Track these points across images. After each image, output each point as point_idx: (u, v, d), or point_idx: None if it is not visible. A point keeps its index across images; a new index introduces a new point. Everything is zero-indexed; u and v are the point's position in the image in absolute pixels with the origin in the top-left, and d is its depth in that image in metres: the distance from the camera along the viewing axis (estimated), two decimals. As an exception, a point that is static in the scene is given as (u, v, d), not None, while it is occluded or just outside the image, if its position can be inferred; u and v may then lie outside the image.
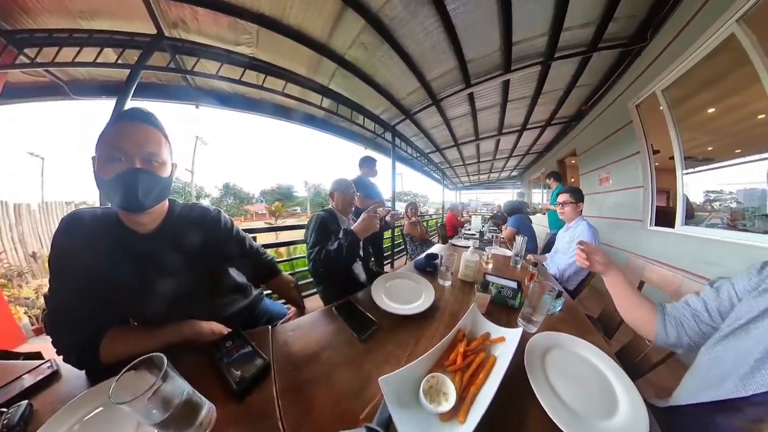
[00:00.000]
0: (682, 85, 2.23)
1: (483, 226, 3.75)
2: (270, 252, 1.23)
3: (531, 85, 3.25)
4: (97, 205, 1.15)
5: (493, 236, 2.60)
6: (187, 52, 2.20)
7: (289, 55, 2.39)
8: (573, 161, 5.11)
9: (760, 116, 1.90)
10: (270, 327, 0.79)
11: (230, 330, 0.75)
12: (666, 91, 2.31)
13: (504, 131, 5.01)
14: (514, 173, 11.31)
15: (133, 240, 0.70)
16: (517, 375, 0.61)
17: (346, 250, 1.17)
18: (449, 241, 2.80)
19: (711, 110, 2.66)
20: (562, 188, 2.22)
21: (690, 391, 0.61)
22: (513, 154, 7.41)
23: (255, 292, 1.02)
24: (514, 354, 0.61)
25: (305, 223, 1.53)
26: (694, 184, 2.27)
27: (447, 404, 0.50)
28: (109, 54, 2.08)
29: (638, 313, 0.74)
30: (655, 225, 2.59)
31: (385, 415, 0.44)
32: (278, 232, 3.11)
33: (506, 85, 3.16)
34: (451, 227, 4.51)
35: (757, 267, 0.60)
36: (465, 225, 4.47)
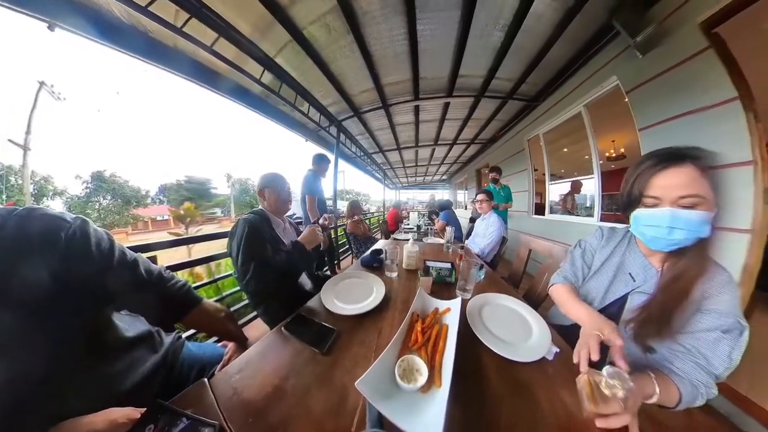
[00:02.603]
0: (552, 133, 3.59)
1: (419, 221, 4.16)
2: (181, 275, 1.02)
3: (464, 111, 3.97)
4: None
5: (428, 229, 3.04)
6: None
7: (233, 1, 1.79)
8: (486, 171, 6.45)
9: (586, 156, 3.18)
10: (206, 379, 0.59)
11: (145, 408, 0.49)
12: (545, 134, 3.64)
13: (439, 142, 5.81)
14: (444, 177, 12.78)
15: None
16: (465, 332, 0.74)
17: (298, 264, 1.13)
18: (391, 236, 3.01)
19: (565, 149, 4.53)
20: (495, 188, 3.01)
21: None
22: (444, 162, 8.56)
23: (168, 338, 0.74)
24: (459, 318, 0.72)
25: (229, 230, 1.23)
26: (554, 190, 3.90)
27: (422, 378, 0.54)
28: None
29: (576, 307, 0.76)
30: (534, 214, 4.08)
31: (374, 413, 0.45)
32: (191, 246, 2.55)
33: (447, 105, 3.74)
34: (394, 223, 4.83)
35: (601, 231, 0.87)
36: (404, 220, 4.88)
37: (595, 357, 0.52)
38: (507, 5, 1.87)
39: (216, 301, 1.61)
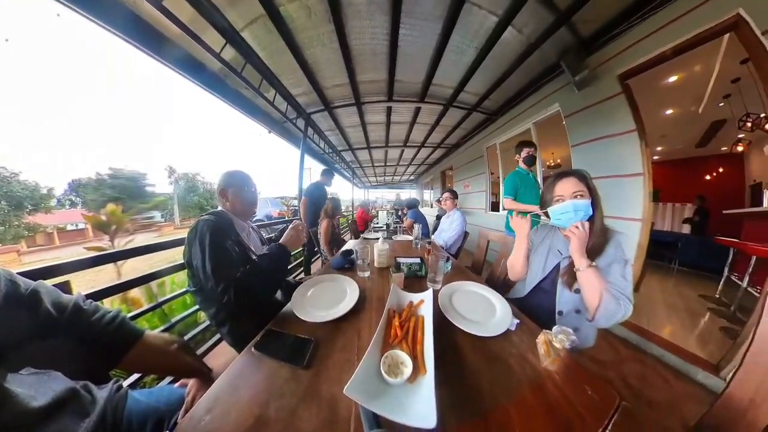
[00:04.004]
0: (507, 143, 4.05)
1: (388, 219, 4.24)
2: (110, 304, 0.88)
3: (433, 117, 4.17)
4: None
5: (397, 227, 3.11)
6: None
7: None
8: (450, 173, 6.91)
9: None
10: None
11: None
12: (501, 143, 4.13)
13: (408, 144, 5.96)
14: (412, 177, 13.03)
15: None
16: (440, 319, 0.80)
17: (277, 273, 1.03)
18: (361, 235, 3.00)
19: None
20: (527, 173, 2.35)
21: (525, 285, 1.12)
22: (412, 163, 8.85)
23: (102, 391, 0.55)
24: (433, 307, 0.77)
25: (173, 238, 1.16)
26: None
27: (408, 369, 0.56)
28: None
29: (519, 266, 1.12)
30: (490, 211, 4.75)
31: (369, 415, 0.45)
32: (121, 263, 1.97)
33: (418, 110, 3.88)
34: (363, 222, 4.89)
35: (536, 226, 1.15)
36: (373, 219, 4.87)
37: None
38: (483, 30, 2.11)
39: (163, 331, 1.36)
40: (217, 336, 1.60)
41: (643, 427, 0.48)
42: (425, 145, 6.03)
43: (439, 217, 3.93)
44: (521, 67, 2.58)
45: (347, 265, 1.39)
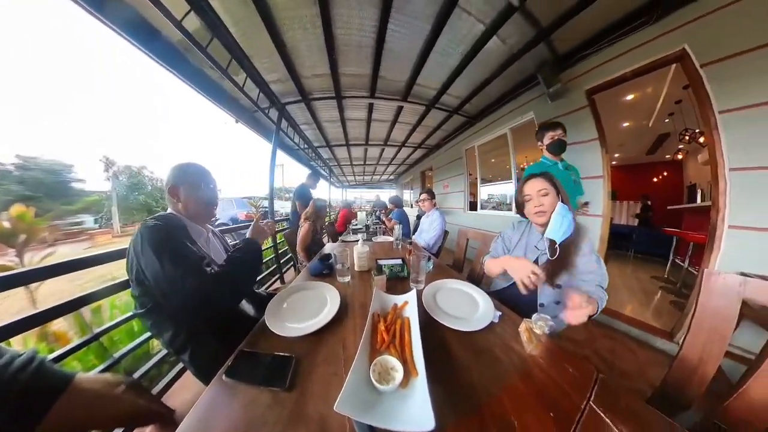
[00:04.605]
0: (485, 146, 4.33)
1: (368, 220, 4.26)
2: (19, 345, 0.76)
3: (415, 117, 4.23)
4: None
5: (377, 228, 3.06)
6: None
7: None
8: (430, 173, 7.15)
9: (507, 166, 4.01)
10: None
11: None
12: (479, 146, 4.36)
13: (389, 143, 5.94)
14: (392, 177, 12.98)
15: None
16: (425, 319, 0.80)
17: (255, 263, 0.93)
18: (339, 238, 2.94)
19: (493, 160, 5.51)
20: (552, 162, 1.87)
21: (500, 281, 1.21)
22: (392, 162, 8.81)
23: None
24: (418, 308, 0.77)
25: (113, 249, 1.03)
26: (484, 191, 4.77)
27: (399, 374, 0.54)
28: None
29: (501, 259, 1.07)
30: (469, 210, 5.02)
31: (364, 428, 0.43)
32: (35, 286, 1.63)
33: (400, 109, 3.89)
34: (344, 224, 4.79)
35: (513, 224, 1.24)
36: (353, 220, 4.76)
37: (540, 281, 0.86)
38: (470, 36, 2.20)
39: (104, 371, 1.06)
40: (178, 367, 1.33)
41: (619, 393, 0.55)
42: (406, 144, 6.07)
43: (419, 217, 3.93)
44: (502, 75, 2.75)
45: (326, 271, 1.33)
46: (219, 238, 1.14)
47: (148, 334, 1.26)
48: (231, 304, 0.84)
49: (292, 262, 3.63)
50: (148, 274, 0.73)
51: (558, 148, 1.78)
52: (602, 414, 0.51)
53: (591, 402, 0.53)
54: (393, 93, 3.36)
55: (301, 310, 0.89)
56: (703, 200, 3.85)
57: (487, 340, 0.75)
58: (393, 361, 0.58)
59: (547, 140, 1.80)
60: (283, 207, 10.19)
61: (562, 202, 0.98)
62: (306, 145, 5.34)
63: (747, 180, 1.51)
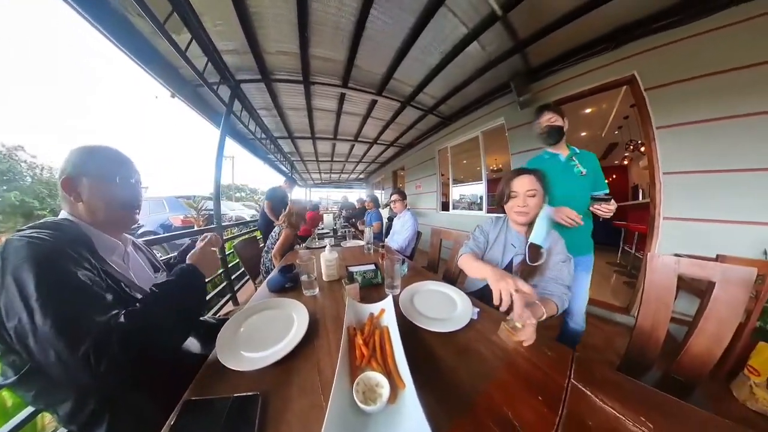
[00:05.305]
0: (457, 148, 4.57)
1: (335, 223, 4.01)
2: None
3: (389, 113, 4.15)
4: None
5: (346, 231, 2.89)
6: None
7: None
8: (402, 173, 7.28)
9: (478, 168, 4.24)
10: None
11: None
12: (452, 147, 4.58)
13: (359, 139, 5.66)
14: (362, 176, 12.50)
15: None
16: (405, 325, 0.79)
17: (189, 303, 0.70)
18: (303, 244, 2.62)
19: (464, 161, 5.79)
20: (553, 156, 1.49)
21: (476, 279, 1.16)
22: (362, 160, 8.46)
23: None
24: (396, 315, 0.76)
25: None
26: (456, 192, 5.02)
27: (385, 390, 0.51)
28: None
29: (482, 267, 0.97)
30: (441, 210, 5.21)
31: None
32: None
33: (374, 103, 3.72)
34: (312, 226, 4.40)
35: (491, 219, 1.22)
36: (318, 224, 4.38)
37: (506, 305, 0.77)
38: (451, 37, 2.27)
39: None
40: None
41: (593, 367, 0.63)
42: (378, 141, 5.88)
43: (390, 219, 3.84)
44: (478, 80, 2.92)
45: (289, 285, 1.18)
46: (144, 251, 0.90)
47: (30, 409, 0.84)
48: (161, 356, 0.60)
49: (247, 278, 3.13)
50: (9, 326, 0.49)
51: (549, 137, 1.47)
52: (583, 388, 0.57)
53: (572, 380, 0.59)
54: (368, 85, 3.22)
55: (263, 336, 0.77)
56: (643, 198, 4.49)
57: (468, 337, 0.77)
58: (377, 377, 0.55)
59: (538, 129, 1.51)
60: (234, 210, 8.49)
61: (548, 203, 1.00)
62: (264, 135, 4.63)
63: (676, 181, 1.94)
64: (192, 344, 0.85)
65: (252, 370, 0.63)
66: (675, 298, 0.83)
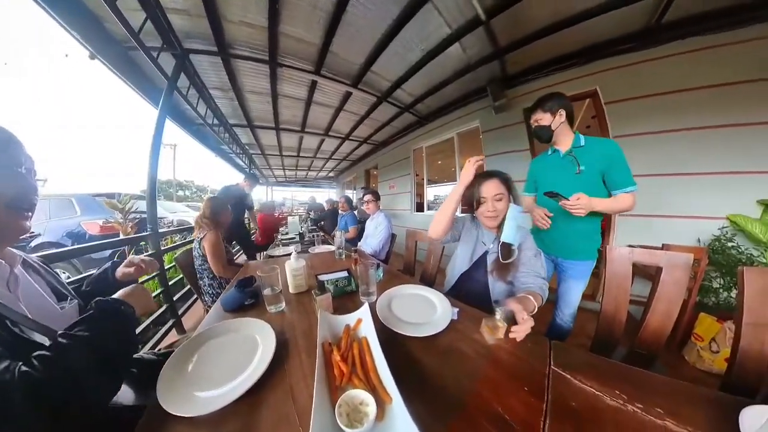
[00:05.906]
0: (432, 148, 4.70)
1: (302, 227, 3.69)
2: None
3: (364, 107, 4.00)
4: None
5: (314, 236, 2.70)
6: None
7: None
8: (375, 172, 7.29)
9: (452, 168, 4.45)
10: None
11: None
12: (427, 147, 4.68)
13: (330, 134, 5.35)
14: (332, 174, 11.88)
15: None
16: (385, 333, 0.77)
17: (111, 365, 0.52)
18: (264, 252, 2.42)
19: (439, 162, 6.03)
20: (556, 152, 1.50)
21: (454, 274, 1.24)
22: (332, 157, 8.00)
23: None
24: (374, 324, 0.73)
25: None
26: (431, 192, 5.18)
27: (371, 407, 0.48)
28: None
29: (447, 221, 1.12)
30: (416, 211, 5.26)
31: None
32: None
33: (348, 95, 3.52)
34: (266, 234, 3.83)
35: (469, 216, 1.26)
36: (281, 229, 3.93)
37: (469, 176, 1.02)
38: (434, 35, 2.30)
39: None
40: None
41: (570, 351, 0.69)
42: (350, 137, 5.65)
43: (362, 221, 3.54)
44: (457, 81, 3.03)
45: (249, 301, 1.04)
46: (41, 272, 0.70)
47: None
48: (86, 414, 0.47)
49: (194, 297, 2.62)
50: None
51: (539, 137, 1.49)
52: (563, 373, 0.62)
53: (552, 366, 0.64)
54: (343, 75, 3.01)
55: (220, 367, 0.65)
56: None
57: (450, 338, 0.78)
58: (361, 394, 0.51)
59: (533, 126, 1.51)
60: (175, 212, 6.86)
61: (515, 203, 1.05)
62: (217, 121, 3.96)
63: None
64: (126, 392, 0.70)
65: (209, 414, 0.52)
66: (632, 283, 0.96)
